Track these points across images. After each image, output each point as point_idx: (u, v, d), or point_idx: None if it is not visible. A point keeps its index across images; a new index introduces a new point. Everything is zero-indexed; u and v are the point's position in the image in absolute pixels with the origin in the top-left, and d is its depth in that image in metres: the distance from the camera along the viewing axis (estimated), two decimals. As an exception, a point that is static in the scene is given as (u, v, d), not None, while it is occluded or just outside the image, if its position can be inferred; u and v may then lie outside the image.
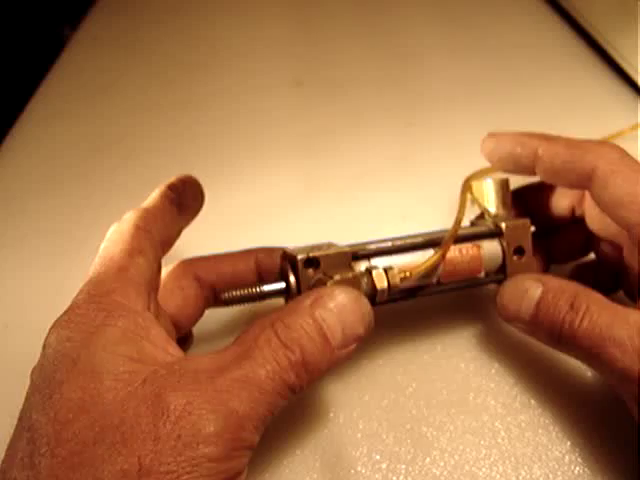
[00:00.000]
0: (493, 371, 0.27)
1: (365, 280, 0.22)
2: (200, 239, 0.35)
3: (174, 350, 0.19)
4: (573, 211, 0.27)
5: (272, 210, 0.36)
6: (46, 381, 0.18)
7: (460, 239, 0.25)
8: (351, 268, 0.23)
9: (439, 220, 0.34)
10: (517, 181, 0.28)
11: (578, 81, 0.45)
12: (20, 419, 0.18)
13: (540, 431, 0.25)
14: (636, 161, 0.23)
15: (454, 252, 0.25)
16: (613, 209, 0.23)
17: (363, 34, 0.54)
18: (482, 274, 0.25)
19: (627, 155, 0.23)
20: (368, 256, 0.24)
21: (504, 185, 0.27)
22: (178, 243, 0.35)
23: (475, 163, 0.29)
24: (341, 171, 0.39)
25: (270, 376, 0.17)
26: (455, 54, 0.50)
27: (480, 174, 0.28)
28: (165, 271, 0.25)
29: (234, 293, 0.23)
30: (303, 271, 0.22)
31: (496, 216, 0.26)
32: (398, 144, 0.41)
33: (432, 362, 0.28)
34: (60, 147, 0.43)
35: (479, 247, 0.25)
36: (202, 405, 0.16)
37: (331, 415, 0.26)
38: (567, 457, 0.24)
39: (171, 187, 0.24)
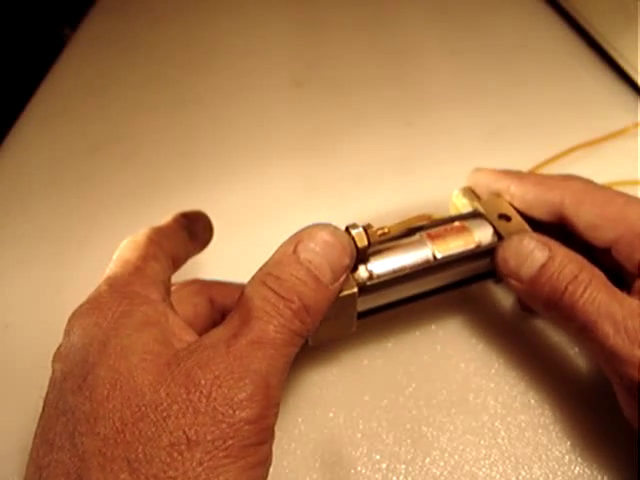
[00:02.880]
0: (493, 371, 0.27)
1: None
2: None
3: (190, 334, 0.20)
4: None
5: (272, 210, 0.36)
6: (78, 365, 0.18)
7: (442, 223, 0.25)
8: None
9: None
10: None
11: (578, 81, 0.45)
12: (50, 406, 0.18)
13: (540, 431, 0.25)
14: (600, 187, 0.25)
15: (438, 229, 0.25)
16: (589, 233, 0.24)
17: (363, 34, 0.54)
18: (477, 241, 0.25)
19: (591, 183, 0.25)
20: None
21: (469, 191, 0.28)
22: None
23: (474, 163, 0.29)
24: (341, 171, 0.39)
25: (279, 330, 0.19)
26: (455, 54, 0.50)
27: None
28: (181, 286, 0.26)
29: None
30: None
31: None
32: (398, 144, 0.41)
33: (432, 362, 0.28)
34: (60, 147, 0.43)
35: (463, 223, 0.25)
36: (228, 376, 0.17)
37: (331, 415, 0.26)
38: (567, 457, 0.24)
39: (184, 214, 0.25)
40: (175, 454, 0.16)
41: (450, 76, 0.47)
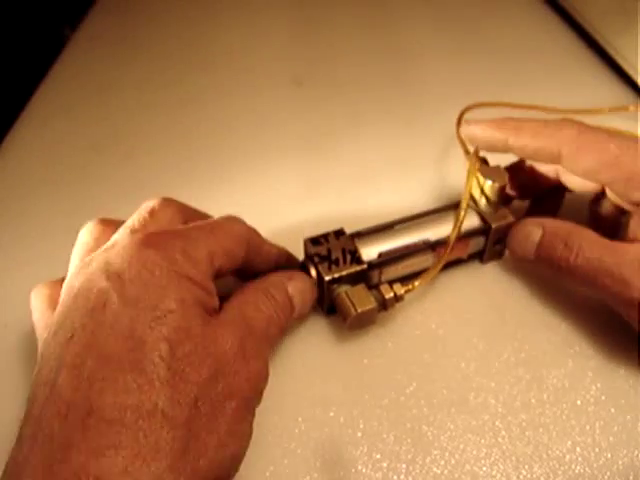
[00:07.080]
0: (493, 370, 0.27)
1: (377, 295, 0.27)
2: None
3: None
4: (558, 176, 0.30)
5: (272, 210, 0.36)
6: (147, 300, 0.20)
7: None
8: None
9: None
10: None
11: (578, 81, 0.45)
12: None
13: (541, 430, 0.25)
14: (594, 132, 0.26)
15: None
16: (589, 176, 0.26)
17: (363, 34, 0.54)
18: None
19: (585, 129, 0.26)
20: (380, 265, 0.28)
21: (500, 189, 0.28)
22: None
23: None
24: (341, 171, 0.39)
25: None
26: (455, 54, 0.50)
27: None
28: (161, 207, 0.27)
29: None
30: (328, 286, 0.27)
31: (484, 209, 0.29)
32: (398, 144, 0.41)
33: (432, 361, 0.28)
34: (60, 147, 0.43)
35: (467, 245, 0.29)
36: None
37: (331, 414, 0.26)
38: (568, 456, 0.24)
39: (288, 259, 0.29)
40: None
41: (450, 76, 0.47)
